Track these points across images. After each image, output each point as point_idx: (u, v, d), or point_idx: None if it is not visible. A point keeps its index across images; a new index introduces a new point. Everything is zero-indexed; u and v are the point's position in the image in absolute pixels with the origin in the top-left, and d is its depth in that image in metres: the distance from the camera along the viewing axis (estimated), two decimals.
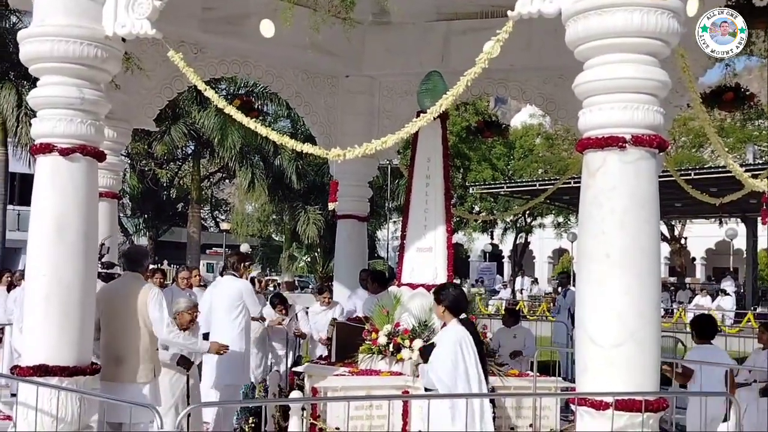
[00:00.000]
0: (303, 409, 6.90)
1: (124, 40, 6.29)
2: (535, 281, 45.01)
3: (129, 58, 7.82)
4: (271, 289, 22.07)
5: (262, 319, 10.25)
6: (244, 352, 9.01)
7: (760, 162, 29.85)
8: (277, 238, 41.49)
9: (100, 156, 6.37)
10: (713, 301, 28.03)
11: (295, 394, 7.74)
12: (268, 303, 11.29)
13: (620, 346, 5.01)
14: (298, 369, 8.70)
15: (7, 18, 25.49)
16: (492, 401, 7.05)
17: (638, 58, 5.10)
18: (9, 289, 13.72)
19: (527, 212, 37.62)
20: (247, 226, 40.51)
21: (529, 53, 9.48)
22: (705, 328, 8.01)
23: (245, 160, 30.04)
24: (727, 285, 31.29)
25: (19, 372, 6.00)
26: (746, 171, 7.39)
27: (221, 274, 10.49)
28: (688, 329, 22.05)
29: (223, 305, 8.96)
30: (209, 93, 6.39)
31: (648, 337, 5.08)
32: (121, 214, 33.41)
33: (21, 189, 36.05)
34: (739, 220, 30.79)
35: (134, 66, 8.17)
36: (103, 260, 7.42)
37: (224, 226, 45.28)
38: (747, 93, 9.40)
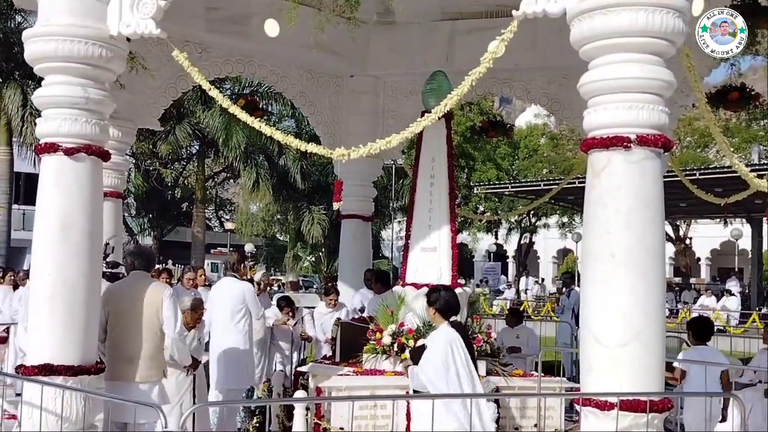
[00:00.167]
0: (307, 408, 6.90)
1: (128, 39, 6.29)
2: (542, 282, 44.94)
3: (134, 58, 7.83)
4: (276, 288, 22.08)
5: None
6: (247, 356, 8.98)
7: (766, 162, 29.77)
8: (281, 238, 41.50)
9: (104, 155, 6.37)
10: (718, 301, 27.95)
11: (299, 393, 7.74)
12: (274, 304, 11.29)
13: (625, 346, 5.00)
14: (303, 369, 8.70)
15: (12, 18, 25.52)
16: (496, 401, 7.05)
17: (643, 58, 5.10)
18: (14, 289, 13.77)
19: (532, 212, 37.63)
20: (251, 225, 40.50)
21: (534, 53, 9.46)
22: (702, 329, 8.05)
23: (250, 160, 30.05)
24: (732, 285, 31.21)
25: (24, 371, 6.01)
26: (751, 171, 7.38)
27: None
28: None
29: (225, 308, 8.79)
30: (214, 92, 6.39)
31: (653, 337, 5.07)
32: (126, 214, 33.51)
33: (26, 188, 36.09)
34: (744, 220, 30.75)
35: (139, 65, 8.17)
36: (107, 260, 7.42)
37: (229, 225, 45.34)
38: (752, 93, 9.37)
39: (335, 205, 11.89)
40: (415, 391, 5.96)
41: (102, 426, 6.26)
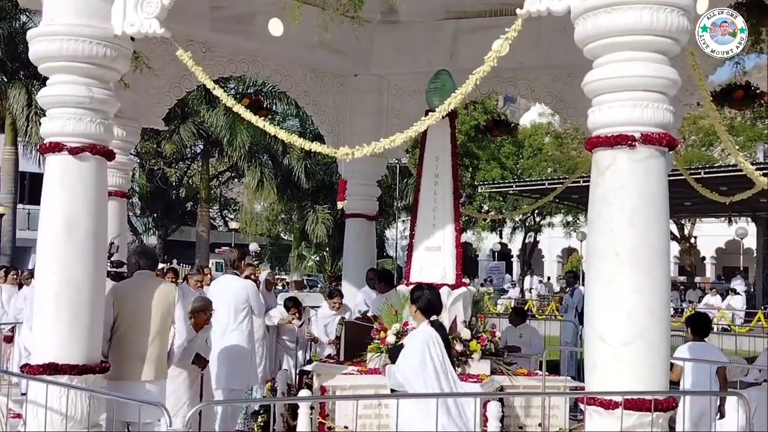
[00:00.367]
0: (312, 407, 6.90)
1: (133, 39, 6.30)
2: (548, 281, 44.87)
3: (138, 57, 7.84)
4: (280, 288, 22.11)
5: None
6: (249, 355, 8.96)
7: None
8: (285, 238, 41.52)
9: (109, 155, 6.38)
10: (723, 300, 27.93)
11: (303, 393, 7.74)
12: (280, 304, 11.29)
13: (630, 344, 4.99)
14: (307, 368, 8.70)
15: (17, 17, 25.57)
16: (501, 400, 7.05)
17: (648, 56, 5.09)
18: (19, 288, 13.80)
19: (536, 211, 37.56)
20: (255, 225, 40.52)
21: (538, 51, 9.46)
22: (700, 325, 8.09)
23: (254, 159, 30.06)
24: (737, 284, 31.16)
25: (29, 370, 6.02)
26: (756, 169, 7.35)
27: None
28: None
29: (228, 307, 8.64)
30: (218, 92, 6.40)
31: (657, 336, 5.06)
32: (131, 213, 33.52)
33: (31, 188, 36.23)
34: (749, 219, 30.65)
35: (143, 65, 8.18)
36: (112, 259, 7.43)
37: (233, 225, 45.36)
38: (757, 91, 9.35)
39: (339, 205, 11.90)
40: (392, 390, 5.94)
41: (106, 425, 6.27)
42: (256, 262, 20.82)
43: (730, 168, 18.48)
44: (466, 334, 7.77)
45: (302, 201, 32.07)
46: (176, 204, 39.76)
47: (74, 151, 6.07)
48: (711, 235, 44.59)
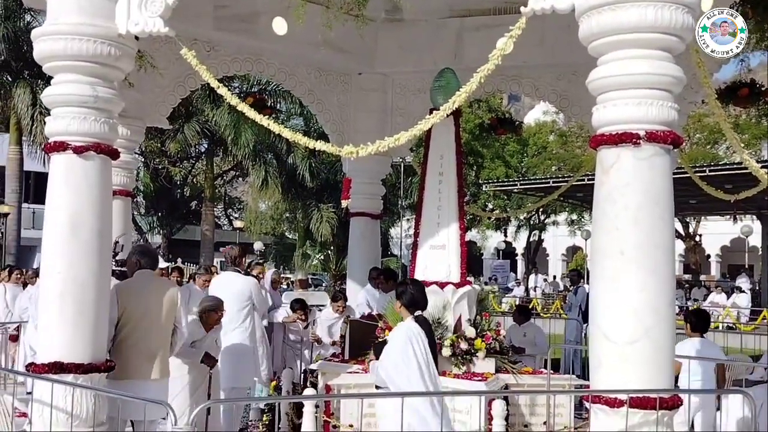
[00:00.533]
0: (316, 406, 6.90)
1: (137, 38, 6.31)
2: (553, 279, 44.83)
3: (142, 56, 7.84)
4: (285, 287, 22.11)
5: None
6: (252, 353, 8.96)
7: None
8: (290, 236, 41.53)
9: (113, 154, 6.39)
10: (728, 298, 27.87)
11: (308, 391, 7.75)
12: (286, 304, 11.30)
13: (635, 343, 4.99)
14: (312, 366, 8.70)
15: (22, 17, 25.64)
16: (506, 399, 7.04)
17: (652, 54, 5.07)
18: (23, 287, 13.83)
19: (541, 210, 37.56)
20: (260, 224, 40.57)
21: (543, 50, 9.44)
22: (699, 321, 8.14)
23: (258, 158, 30.10)
24: (743, 282, 31.07)
25: (35, 369, 6.03)
26: (762, 167, 7.34)
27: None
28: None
29: (230, 304, 8.50)
30: (222, 91, 6.40)
31: (662, 335, 5.06)
32: (135, 212, 33.58)
33: (36, 187, 36.28)
34: (754, 217, 30.57)
35: (147, 64, 8.19)
36: (117, 258, 7.44)
37: (237, 224, 45.39)
38: (762, 89, 9.34)
39: (344, 203, 11.91)
40: (377, 387, 5.93)
41: (110, 424, 6.28)
42: (261, 261, 20.81)
43: (735, 166, 18.45)
44: (470, 332, 7.77)
45: (307, 200, 32.09)
46: (181, 203, 39.86)
47: (79, 150, 6.07)
48: (716, 233, 44.54)
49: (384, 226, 33.25)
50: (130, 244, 9.16)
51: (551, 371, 8.14)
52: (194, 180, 39.62)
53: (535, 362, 10.03)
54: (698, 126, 33.16)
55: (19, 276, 14.58)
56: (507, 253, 52.85)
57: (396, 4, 9.70)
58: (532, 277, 42.30)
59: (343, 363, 8.21)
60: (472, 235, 44.10)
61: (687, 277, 39.57)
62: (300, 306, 11.04)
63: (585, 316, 13.77)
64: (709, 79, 6.91)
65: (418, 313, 5.78)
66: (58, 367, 5.91)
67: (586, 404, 5.47)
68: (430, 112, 6.60)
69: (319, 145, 6.38)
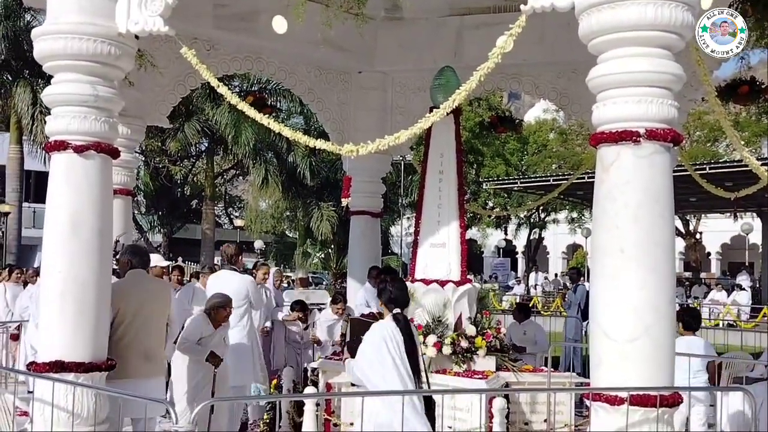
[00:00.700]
0: (317, 404, 6.91)
1: (137, 37, 6.31)
2: (555, 277, 44.82)
3: (142, 56, 7.85)
4: (285, 285, 22.10)
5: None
6: (251, 352, 8.95)
7: None
8: (290, 235, 41.53)
9: (114, 153, 6.39)
10: (729, 296, 27.87)
11: (309, 389, 7.75)
12: (287, 304, 11.29)
13: (635, 340, 4.99)
14: (313, 365, 8.70)
15: (22, 16, 25.64)
16: (506, 397, 7.05)
17: (652, 52, 5.08)
18: (24, 286, 13.84)
19: (541, 208, 37.58)
20: (260, 222, 40.56)
21: (543, 48, 9.44)
22: (691, 320, 8.27)
23: (259, 157, 30.09)
24: (743, 280, 31.10)
25: (36, 368, 6.03)
26: (762, 165, 7.35)
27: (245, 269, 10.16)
28: (704, 325, 22.03)
29: None
30: (222, 89, 6.40)
31: (663, 332, 5.06)
32: (136, 211, 33.57)
33: (36, 186, 36.33)
34: (754, 214, 30.59)
35: (147, 63, 8.20)
36: (117, 257, 7.45)
37: (238, 222, 45.41)
38: (762, 86, 9.34)
39: (344, 202, 11.89)
40: (353, 385, 5.92)
41: (110, 423, 6.30)
42: (266, 262, 20.85)
43: (736, 163, 18.45)
44: (471, 330, 7.77)
45: (307, 198, 32.09)
46: (181, 202, 39.84)
47: (79, 150, 6.08)
48: (716, 230, 44.55)
49: (384, 224, 33.24)
50: (130, 243, 9.16)
51: (552, 369, 8.15)
52: (195, 179, 39.60)
53: (536, 360, 10.03)
54: (698, 124, 33.17)
55: (19, 275, 14.59)
56: (507, 251, 52.83)
57: (396, 3, 9.71)
58: (532, 275, 42.31)
59: (343, 361, 8.20)
60: (473, 233, 44.08)
61: (687, 274, 39.60)
62: (300, 307, 11.05)
63: (584, 314, 13.77)
64: (709, 77, 6.91)
65: (397, 311, 5.73)
66: (59, 366, 5.92)
67: (587, 402, 5.48)
68: (430, 111, 6.61)
69: (320, 144, 6.38)
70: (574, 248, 54.55)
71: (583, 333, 13.63)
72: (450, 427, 7.06)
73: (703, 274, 40.69)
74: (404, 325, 5.65)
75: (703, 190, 10.01)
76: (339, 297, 11.12)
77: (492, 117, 14.42)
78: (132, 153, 9.56)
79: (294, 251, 36.88)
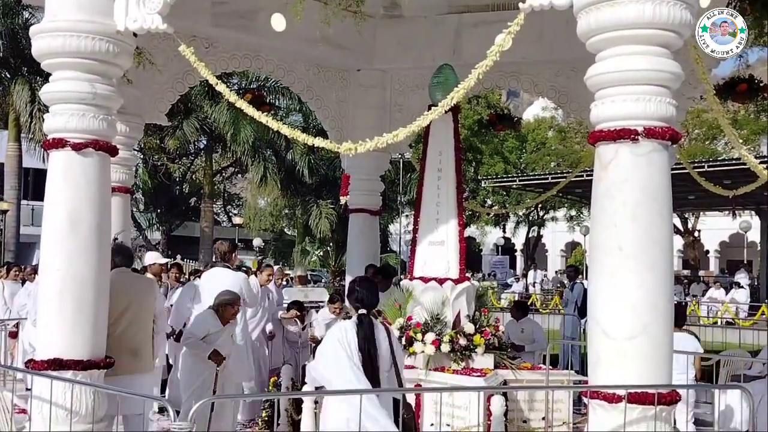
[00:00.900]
0: (316, 402, 6.91)
1: (135, 35, 6.31)
2: (556, 274, 44.82)
3: (140, 53, 7.84)
4: (284, 283, 22.09)
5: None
6: (245, 350, 8.93)
7: None
8: (289, 233, 41.57)
9: (112, 151, 6.39)
10: (727, 293, 27.88)
11: (307, 387, 7.74)
12: (286, 304, 11.30)
13: (633, 339, 4.99)
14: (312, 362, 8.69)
15: (20, 14, 25.63)
16: (504, 394, 7.06)
17: (650, 50, 5.07)
18: (22, 284, 13.84)
19: (540, 206, 37.61)
20: (259, 220, 40.61)
21: (541, 46, 9.43)
22: (677, 316, 8.24)
23: (257, 155, 30.10)
24: (741, 278, 31.11)
25: (34, 366, 6.03)
26: (760, 163, 7.35)
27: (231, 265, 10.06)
28: (702, 322, 22.05)
29: None
30: (221, 87, 6.39)
31: (661, 330, 5.06)
32: (134, 209, 33.58)
33: (35, 184, 36.32)
34: (753, 212, 30.62)
35: (146, 61, 8.18)
36: None
37: (237, 220, 45.41)
38: (761, 84, 9.33)
39: (342, 200, 11.89)
40: (317, 387, 5.90)
41: (107, 420, 6.33)
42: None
43: (734, 161, 18.45)
44: (469, 328, 7.78)
45: (306, 196, 32.12)
46: (180, 199, 39.84)
47: (77, 147, 6.07)
48: (715, 228, 44.59)
49: (383, 222, 33.29)
50: (129, 241, 9.16)
51: (550, 367, 8.16)
52: (193, 176, 39.60)
53: (534, 358, 10.05)
54: (697, 122, 33.20)
55: (17, 273, 14.60)
56: (506, 249, 52.85)
57: (395, 1, 9.70)
58: (531, 272, 42.33)
59: None
60: (471, 231, 44.16)
61: (686, 272, 39.63)
62: (297, 308, 11.06)
63: (581, 312, 13.78)
64: (708, 75, 6.90)
65: (363, 312, 5.67)
66: (57, 364, 5.92)
67: (585, 400, 5.49)
68: (429, 109, 6.60)
69: (318, 142, 6.38)
70: (572, 246, 54.61)
71: (581, 331, 13.64)
72: (448, 425, 7.07)
73: (701, 272, 40.70)
74: (367, 326, 5.52)
75: (702, 188, 10.01)
76: (336, 296, 11.12)
77: (491, 115, 14.41)
78: (130, 151, 9.55)
79: (293, 249, 36.93)
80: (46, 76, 6.42)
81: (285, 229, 42.03)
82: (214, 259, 10.10)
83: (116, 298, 6.60)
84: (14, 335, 12.39)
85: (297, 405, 7.54)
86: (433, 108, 6.12)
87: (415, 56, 10.59)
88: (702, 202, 27.00)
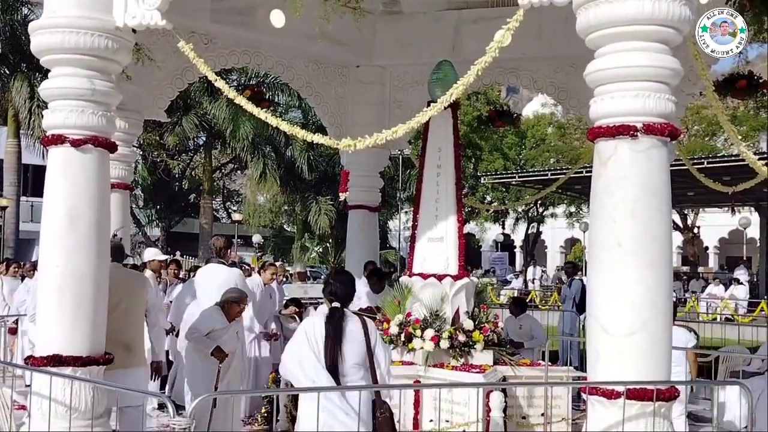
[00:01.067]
0: None
1: (134, 31, 6.30)
2: (556, 271, 44.78)
3: (140, 49, 7.83)
4: (284, 279, 22.11)
5: None
6: (241, 347, 8.91)
7: None
8: (288, 229, 41.56)
9: (111, 147, 6.38)
10: (726, 290, 27.90)
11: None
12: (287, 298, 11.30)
13: (632, 335, 5.00)
14: None
15: (19, 10, 25.60)
16: (504, 391, 7.07)
17: (649, 46, 5.07)
18: (22, 280, 13.85)
19: (539, 202, 37.56)
20: (258, 216, 40.57)
21: (540, 42, 9.43)
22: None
23: (257, 151, 30.08)
24: (740, 274, 31.10)
25: (33, 362, 6.04)
26: (759, 159, 7.35)
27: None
28: (701, 319, 22.07)
29: (215, 296, 8.12)
30: (220, 83, 6.39)
31: (660, 327, 5.07)
32: (134, 205, 33.57)
33: (34, 180, 36.32)
34: (752, 208, 30.60)
35: (145, 57, 8.17)
36: None
37: (236, 217, 45.37)
38: (760, 81, 9.33)
39: (341, 196, 11.89)
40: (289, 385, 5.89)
41: (106, 415, 6.35)
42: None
43: (733, 158, 18.44)
44: (468, 324, 7.79)
45: (305, 192, 32.11)
46: (179, 196, 39.83)
47: (77, 144, 6.07)
48: (714, 225, 44.55)
49: (382, 218, 33.30)
50: (128, 238, 9.16)
51: (549, 363, 8.17)
52: (193, 173, 39.55)
53: (533, 354, 10.06)
54: (696, 118, 33.15)
55: (16, 269, 14.60)
56: (505, 245, 52.86)
57: None
58: (530, 269, 42.32)
59: None
60: (471, 227, 44.15)
61: (685, 268, 39.65)
62: (295, 304, 11.06)
63: (579, 308, 13.79)
64: (707, 72, 6.90)
65: (336, 305, 5.63)
66: (56, 360, 5.92)
67: (584, 396, 5.49)
68: (428, 105, 6.60)
69: (317, 138, 6.37)
70: (572, 242, 54.60)
71: (579, 327, 13.65)
72: (447, 421, 7.08)
73: (700, 269, 40.69)
74: (337, 320, 5.44)
75: (701, 185, 10.02)
76: None
77: (490, 111, 14.40)
78: (130, 147, 9.55)
79: (292, 245, 36.92)
80: (45, 73, 6.42)
81: (284, 226, 42.02)
82: (209, 255, 10.05)
83: (109, 294, 6.61)
84: (14, 331, 12.39)
85: (296, 401, 7.53)
86: (432, 104, 6.11)
87: (415, 52, 10.59)
88: (701, 199, 26.98)
